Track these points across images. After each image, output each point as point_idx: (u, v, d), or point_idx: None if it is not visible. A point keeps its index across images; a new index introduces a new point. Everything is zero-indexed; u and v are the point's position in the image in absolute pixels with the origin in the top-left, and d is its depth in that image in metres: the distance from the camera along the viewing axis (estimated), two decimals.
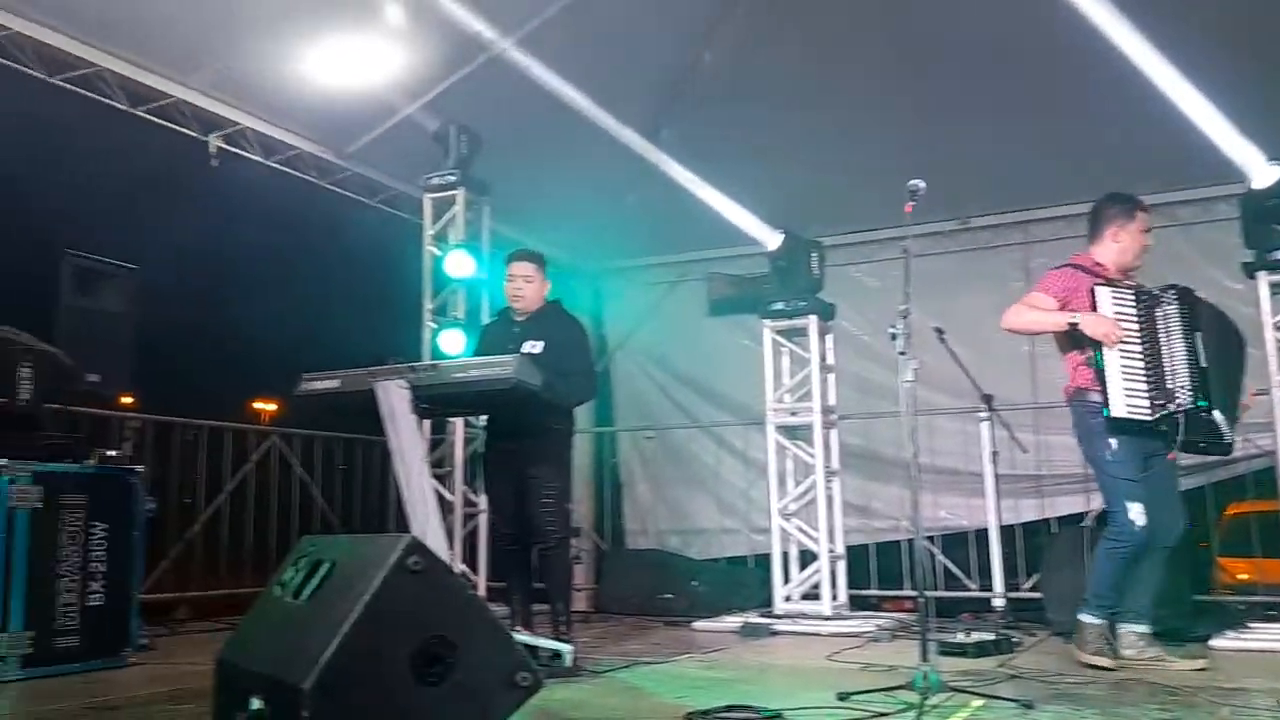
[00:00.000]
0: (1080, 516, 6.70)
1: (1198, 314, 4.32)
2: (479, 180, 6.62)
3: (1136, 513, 4.19)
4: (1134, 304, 4.27)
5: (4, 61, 5.16)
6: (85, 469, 4.47)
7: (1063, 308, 4.33)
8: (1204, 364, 4.19)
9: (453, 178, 6.52)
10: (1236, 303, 6.51)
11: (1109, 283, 4.34)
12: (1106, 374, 4.18)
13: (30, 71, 5.26)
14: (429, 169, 6.60)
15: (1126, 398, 4.16)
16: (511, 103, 6.15)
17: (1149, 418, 4.14)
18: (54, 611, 4.18)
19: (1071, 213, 7.24)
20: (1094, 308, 4.24)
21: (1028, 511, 7.00)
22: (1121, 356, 4.19)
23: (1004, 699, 3.49)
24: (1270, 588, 6.05)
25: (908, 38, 6.48)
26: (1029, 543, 6.81)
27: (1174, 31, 4.86)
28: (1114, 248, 4.47)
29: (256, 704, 2.62)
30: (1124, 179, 6.94)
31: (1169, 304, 4.31)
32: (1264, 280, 5.28)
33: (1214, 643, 5.05)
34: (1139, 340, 4.22)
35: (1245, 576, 6.89)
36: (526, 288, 4.74)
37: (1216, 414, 4.17)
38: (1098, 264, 4.47)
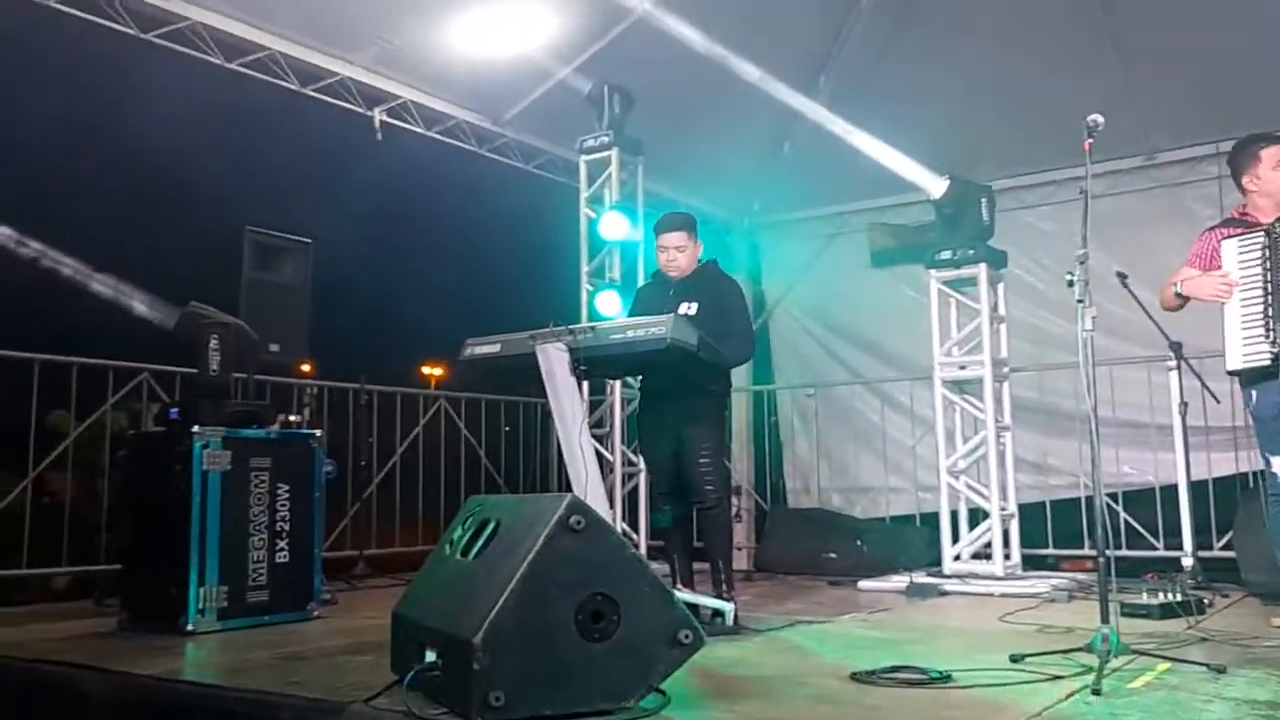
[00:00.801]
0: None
1: None
2: (632, 140, 6.61)
3: (1276, 464, 3.99)
4: (1259, 248, 3.95)
5: (185, 50, 5.46)
6: (270, 434, 4.74)
7: (1206, 271, 4.13)
8: None
9: (606, 139, 6.54)
10: None
11: (1245, 229, 4.06)
12: (1225, 328, 3.99)
13: (209, 58, 5.55)
14: (583, 132, 6.64)
15: (1244, 346, 3.94)
16: (662, 61, 6.10)
17: (1268, 362, 3.87)
18: (245, 567, 4.47)
19: None
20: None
21: (1221, 466, 6.55)
22: (1241, 306, 3.95)
23: (1193, 663, 3.28)
24: None
25: None
26: (1221, 499, 6.38)
27: None
28: (1254, 194, 4.17)
29: (431, 656, 2.74)
30: None
31: (1267, 245, 3.94)
32: None
33: None
34: (1261, 284, 3.92)
35: None
36: (680, 257, 4.69)
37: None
38: (1245, 213, 4.20)
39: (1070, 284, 3.54)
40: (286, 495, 4.65)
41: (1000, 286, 6.37)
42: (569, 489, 3.96)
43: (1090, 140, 3.67)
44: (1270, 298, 3.89)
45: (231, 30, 5.55)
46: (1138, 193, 7.14)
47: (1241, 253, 3.99)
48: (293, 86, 5.93)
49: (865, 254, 8.30)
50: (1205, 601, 4.78)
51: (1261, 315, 3.90)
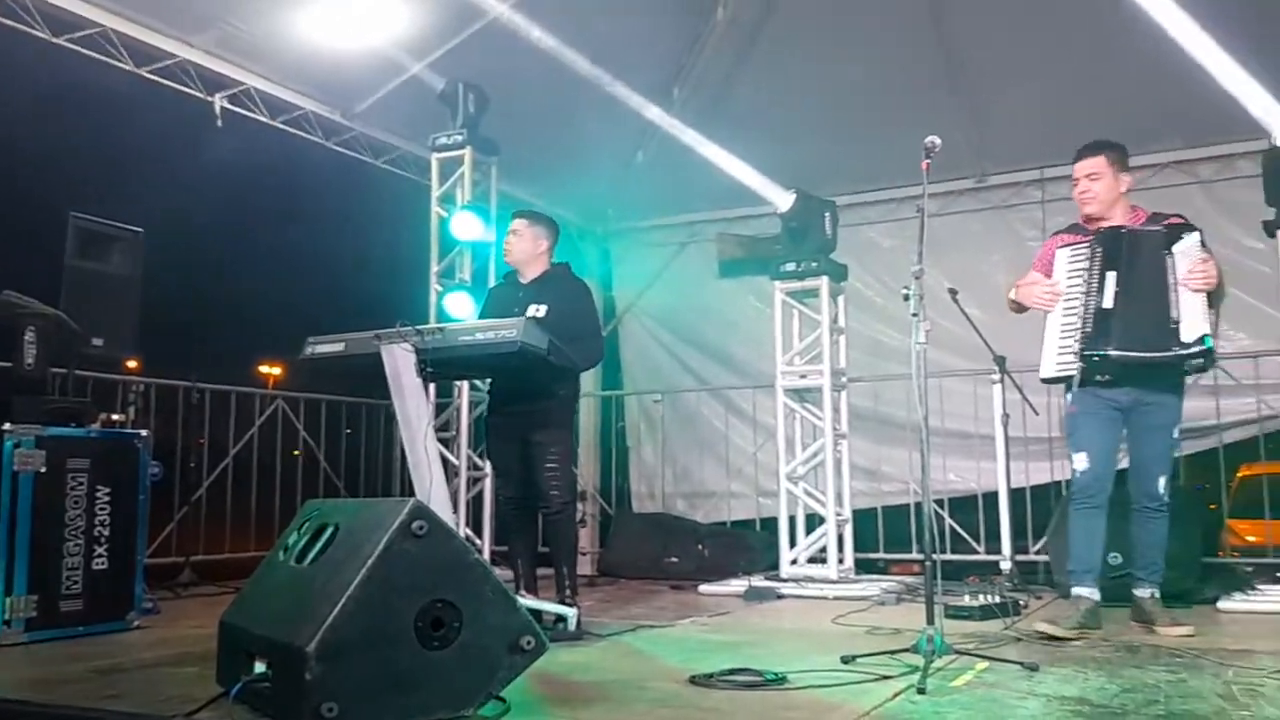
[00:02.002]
0: None
1: (1118, 251, 4.09)
2: (487, 140, 6.54)
3: (1078, 460, 4.22)
4: (1085, 256, 4.15)
5: (6, 22, 5.09)
6: (90, 433, 4.46)
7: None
8: (1108, 305, 4.03)
9: (460, 137, 6.45)
10: (1256, 262, 6.49)
11: (1082, 236, 4.26)
12: (1045, 336, 4.20)
13: (33, 32, 5.19)
14: (436, 129, 6.53)
15: (1059, 355, 4.14)
16: (519, 63, 6.07)
17: (1073, 371, 4.10)
18: (59, 575, 4.18)
19: None
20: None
21: (1038, 475, 6.97)
22: (1063, 315, 4.14)
23: (1008, 661, 3.48)
24: None
25: None
26: (1038, 506, 6.79)
27: None
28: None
29: (260, 666, 2.63)
30: (1143, 135, 6.92)
31: (1096, 248, 4.15)
32: None
33: (1222, 605, 5.05)
34: (1082, 293, 4.12)
35: (1254, 539, 6.87)
36: (514, 241, 4.74)
37: (1113, 351, 4.00)
38: (1084, 219, 4.41)
39: (906, 298, 3.69)
40: (107, 498, 4.38)
41: (841, 299, 6.60)
42: (412, 494, 3.89)
43: (928, 161, 3.84)
44: (1086, 308, 4.06)
45: (59, 3, 5.20)
46: (969, 213, 7.53)
47: (1070, 261, 4.17)
48: (127, 67, 5.61)
49: (714, 263, 8.46)
50: (1021, 603, 5.07)
51: (1077, 325, 4.08)
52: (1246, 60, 4.76)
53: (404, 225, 7.42)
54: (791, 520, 6.45)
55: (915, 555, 6.90)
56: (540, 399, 4.45)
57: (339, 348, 4.13)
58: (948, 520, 6.88)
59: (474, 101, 6.45)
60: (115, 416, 4.75)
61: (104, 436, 4.51)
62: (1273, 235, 5.25)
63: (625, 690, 3.19)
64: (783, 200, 6.34)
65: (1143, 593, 4.32)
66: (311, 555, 2.85)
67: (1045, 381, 4.28)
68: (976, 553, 6.76)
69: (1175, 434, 4.24)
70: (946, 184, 7.21)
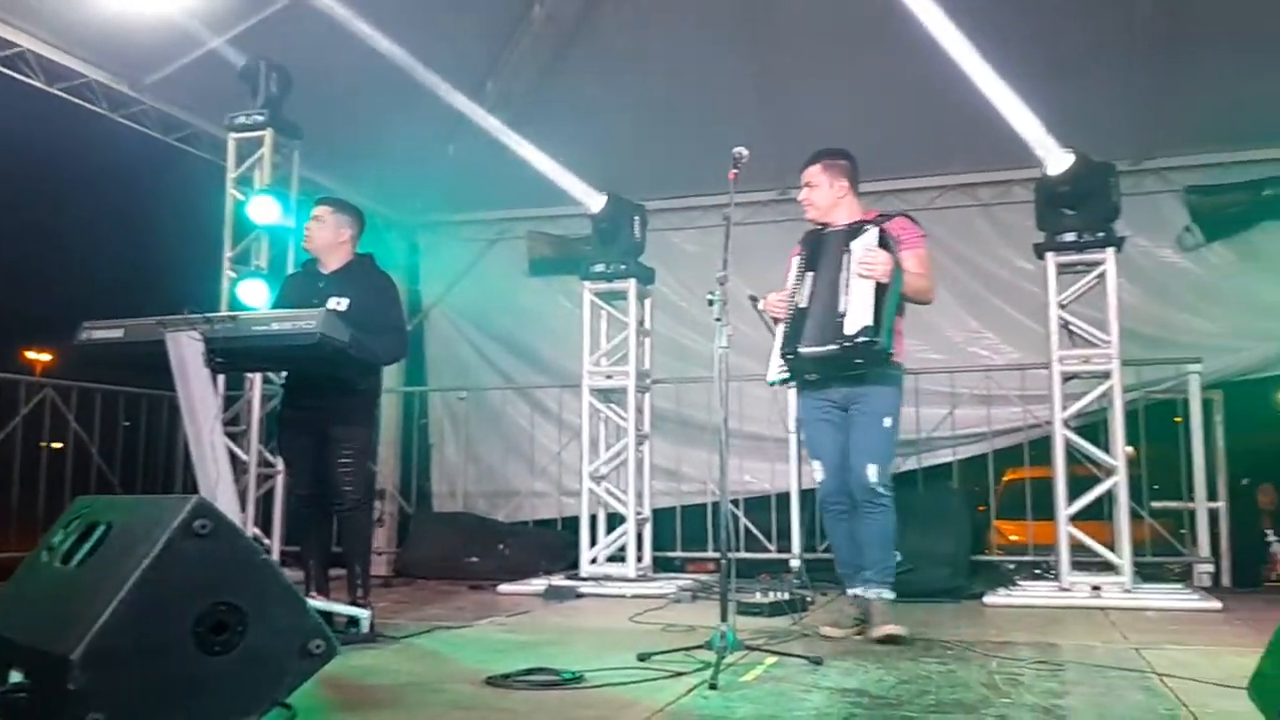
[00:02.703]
0: None
1: (817, 252, 4.17)
2: (289, 123, 6.27)
3: (816, 470, 4.26)
4: (798, 265, 4.20)
5: None
6: None
7: None
8: (804, 304, 4.08)
9: (260, 118, 6.16)
10: (1027, 282, 7.04)
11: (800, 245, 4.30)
12: (774, 345, 4.18)
13: None
14: (235, 108, 6.20)
15: (779, 360, 4.13)
16: (327, 46, 5.85)
17: (787, 375, 4.13)
18: None
19: (883, 188, 7.58)
20: None
21: None
22: (788, 322, 4.13)
23: (795, 656, 3.63)
24: (1039, 548, 6.54)
25: (741, 8, 6.60)
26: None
27: (984, 25, 5.11)
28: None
29: (17, 676, 2.42)
30: (929, 158, 7.41)
31: (803, 251, 4.21)
32: (1052, 261, 5.65)
33: (987, 600, 5.44)
34: (790, 296, 4.16)
35: (1017, 538, 7.44)
36: (316, 229, 4.58)
37: (802, 349, 4.00)
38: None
39: (710, 303, 3.78)
40: None
41: (648, 302, 6.71)
42: (196, 491, 3.68)
43: (735, 171, 3.95)
44: (791, 310, 4.07)
45: None
46: (772, 224, 7.76)
47: (795, 268, 4.22)
48: None
49: (524, 261, 8.44)
50: (808, 600, 5.30)
51: (785, 326, 4.09)
52: (1025, 94, 5.15)
53: (196, 208, 7.01)
54: (593, 519, 6.50)
55: (711, 554, 7.09)
56: (339, 393, 4.29)
57: (118, 334, 3.88)
58: (743, 520, 7.10)
59: (277, 81, 6.17)
60: None
61: None
62: (1041, 257, 5.70)
63: (419, 693, 3.13)
64: (594, 201, 6.38)
65: (867, 592, 4.12)
66: (79, 556, 2.64)
67: (771, 385, 4.28)
68: (769, 551, 7.01)
69: (886, 423, 4.10)
70: (752, 194, 7.43)
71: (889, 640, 3.92)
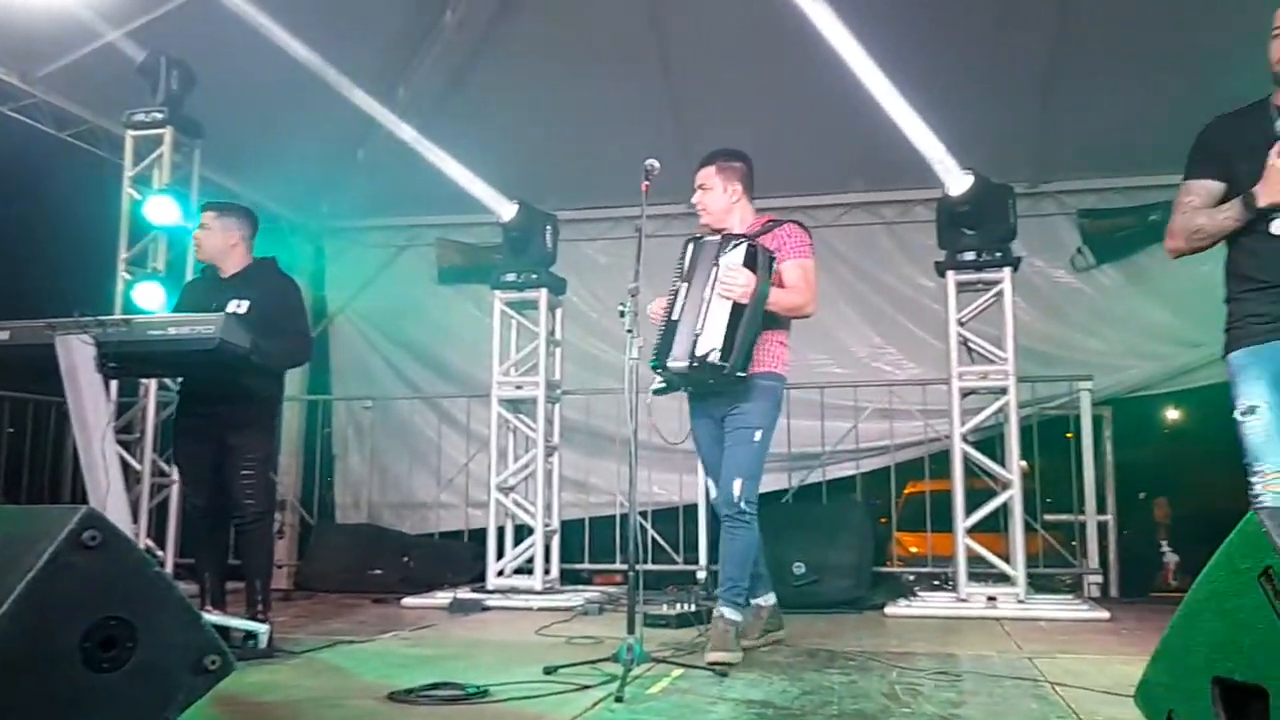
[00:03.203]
0: (783, 493, 7.15)
1: (694, 262, 4.00)
2: (191, 121, 6.09)
3: (710, 486, 4.19)
4: (679, 269, 4.05)
5: None
6: None
7: None
8: (675, 316, 3.94)
9: (160, 115, 5.96)
10: (928, 299, 7.23)
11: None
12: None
13: None
14: (133, 105, 5.99)
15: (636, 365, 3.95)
16: (232, 43, 5.69)
17: (665, 386, 4.03)
18: None
19: (792, 204, 7.70)
20: None
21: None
22: (660, 333, 4.01)
23: (701, 668, 3.64)
24: (938, 559, 6.71)
25: (653, 22, 6.66)
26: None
27: (889, 46, 5.24)
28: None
29: None
30: (835, 176, 7.56)
31: (681, 259, 4.04)
32: (952, 279, 5.81)
33: (888, 610, 5.55)
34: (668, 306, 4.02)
35: (917, 549, 7.62)
36: (204, 238, 4.48)
37: (670, 363, 3.87)
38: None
39: (622, 315, 3.79)
40: None
41: (559, 312, 6.69)
42: (85, 501, 3.53)
43: (647, 183, 3.97)
44: (668, 320, 3.93)
45: None
46: (683, 236, 7.77)
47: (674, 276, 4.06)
48: None
49: (434, 269, 8.34)
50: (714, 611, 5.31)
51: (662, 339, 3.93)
52: (928, 116, 5.29)
53: (90, 207, 6.74)
54: (500, 531, 6.44)
55: (620, 566, 7.10)
56: (239, 400, 4.18)
57: (4, 336, 3.72)
58: (650, 531, 7.12)
59: (178, 78, 5.98)
60: None
61: None
62: (942, 275, 5.86)
63: (318, 709, 3.05)
64: (505, 210, 6.33)
65: (716, 611, 3.99)
66: None
67: (655, 394, 4.09)
68: (676, 563, 7.04)
69: (756, 438, 4.00)
70: (664, 207, 7.44)
71: (717, 666, 3.66)
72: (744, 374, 3.86)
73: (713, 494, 4.18)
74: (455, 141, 6.43)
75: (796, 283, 4.04)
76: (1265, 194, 2.88)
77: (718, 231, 4.10)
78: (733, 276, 3.78)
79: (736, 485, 3.98)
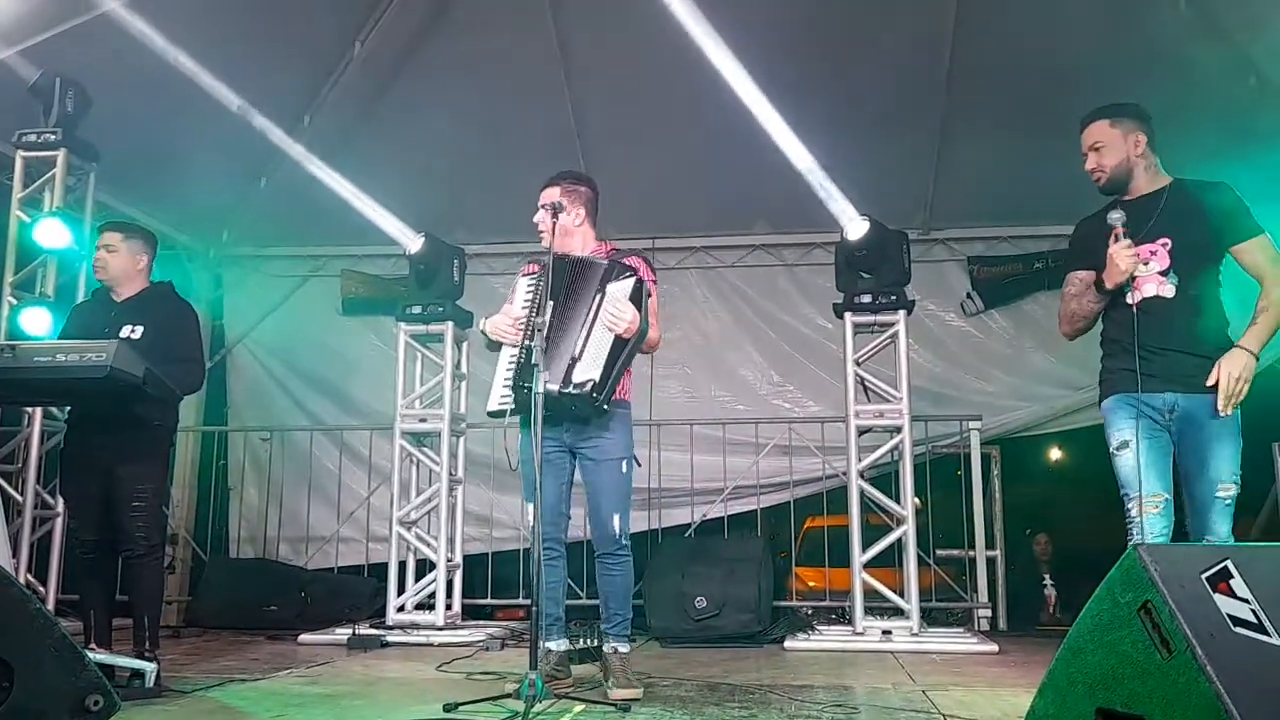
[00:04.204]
0: (686, 527, 7.20)
1: (561, 280, 3.82)
2: (86, 144, 5.92)
3: (529, 511, 3.88)
4: (536, 284, 3.84)
5: None
6: None
7: None
8: (546, 334, 3.67)
9: (53, 136, 5.78)
10: (826, 339, 7.42)
11: (536, 265, 4.02)
12: (497, 369, 3.92)
13: None
14: (25, 124, 5.81)
15: (502, 388, 3.87)
16: (131, 66, 5.59)
17: (510, 406, 3.84)
18: None
19: (696, 244, 7.86)
20: None
21: (638, 523, 7.39)
22: (511, 346, 3.87)
23: (603, 703, 3.65)
24: (836, 593, 6.84)
25: (563, 63, 6.75)
26: (637, 553, 7.18)
27: (792, 94, 5.42)
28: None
29: None
30: (738, 218, 7.74)
31: (543, 276, 3.80)
32: (849, 320, 6.00)
33: (788, 644, 5.63)
34: (525, 322, 3.82)
35: (815, 584, 7.74)
36: (109, 259, 4.32)
37: (541, 385, 3.59)
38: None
39: (529, 350, 3.78)
40: None
41: (465, 345, 6.66)
42: None
43: (554, 220, 4.00)
44: (525, 339, 3.73)
45: None
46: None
47: (526, 290, 3.94)
48: None
49: (337, 300, 8.23)
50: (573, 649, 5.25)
51: (515, 359, 3.80)
52: (827, 163, 5.48)
53: None
54: (401, 566, 6.35)
55: (523, 600, 7.04)
56: (130, 429, 4.04)
57: None
58: None
59: (73, 100, 5.81)
60: None
61: None
62: (840, 316, 6.04)
63: None
64: (412, 242, 6.31)
65: (607, 648, 4.03)
66: None
67: (491, 415, 3.93)
68: (579, 598, 7.02)
69: (624, 468, 3.96)
70: None
71: (625, 703, 3.63)
72: (606, 408, 3.79)
73: (530, 520, 3.82)
74: (362, 172, 6.41)
75: (653, 320, 3.93)
76: (1109, 278, 3.37)
77: (561, 255, 3.92)
78: (620, 310, 3.72)
79: (615, 520, 3.93)
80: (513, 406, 3.84)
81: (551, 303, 3.71)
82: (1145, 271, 3.37)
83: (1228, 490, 3.27)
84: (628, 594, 4.04)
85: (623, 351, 3.77)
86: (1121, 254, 3.30)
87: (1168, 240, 3.36)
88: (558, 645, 4.11)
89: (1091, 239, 3.51)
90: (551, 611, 4.03)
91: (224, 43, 5.71)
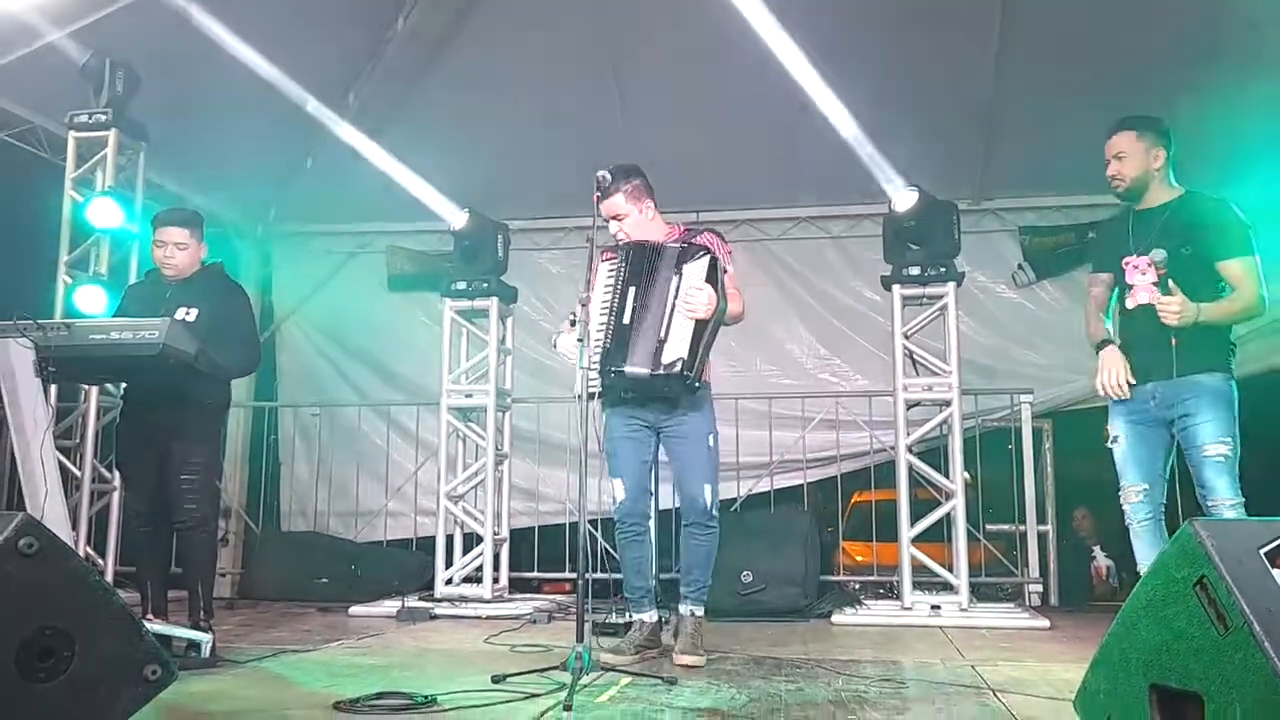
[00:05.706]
0: (732, 502, 7.18)
1: (640, 267, 3.96)
2: (136, 123, 6.00)
3: (616, 489, 4.22)
4: (615, 271, 3.98)
5: None
6: None
7: None
8: (626, 320, 3.89)
9: (104, 117, 5.87)
10: (874, 312, 7.33)
11: (613, 253, 4.10)
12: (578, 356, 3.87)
13: None
14: (76, 106, 5.90)
15: (589, 375, 3.83)
16: (180, 45, 5.65)
17: (597, 389, 3.88)
18: None
19: (741, 217, 7.78)
20: None
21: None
22: (595, 331, 3.91)
23: (650, 676, 3.66)
24: (884, 568, 6.79)
25: (607, 35, 6.69)
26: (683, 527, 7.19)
27: (839, 65, 5.34)
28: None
29: None
30: (784, 191, 7.65)
31: (622, 263, 4.00)
32: (897, 293, 5.90)
33: (835, 619, 5.61)
34: (608, 308, 3.95)
35: (862, 559, 7.70)
36: (179, 255, 4.32)
37: (626, 368, 3.84)
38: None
39: (573, 324, 3.79)
40: None
41: (509, 321, 6.68)
42: (23, 508, 3.47)
43: (598, 194, 4.00)
44: (609, 323, 3.88)
45: None
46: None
47: (606, 276, 4.01)
48: None
49: (383, 276, 8.29)
50: (664, 619, 5.33)
51: (603, 341, 3.88)
52: (875, 134, 5.39)
53: (30, 209, 6.60)
54: (449, 540, 6.41)
55: (569, 574, 7.09)
56: (183, 406, 4.11)
57: None
58: (600, 540, 7.12)
59: (123, 81, 5.89)
60: None
61: None
62: (888, 289, 5.95)
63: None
64: (456, 218, 6.32)
65: (684, 610, 4.19)
66: None
67: (578, 397, 3.83)
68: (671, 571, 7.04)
69: (710, 443, 4.14)
70: None
71: (673, 676, 3.67)
72: (699, 386, 3.95)
73: (618, 495, 4.22)
74: (407, 149, 6.43)
75: (732, 291, 4.07)
76: (1098, 384, 3.81)
77: (639, 243, 4.09)
78: (698, 294, 3.85)
79: (707, 492, 4.13)
80: (601, 390, 3.93)
81: (633, 289, 3.89)
82: (1142, 280, 3.73)
83: (1214, 449, 3.52)
84: (710, 562, 4.22)
85: (705, 330, 3.90)
86: (1167, 312, 3.59)
87: (1162, 251, 3.64)
88: (651, 616, 4.24)
89: (1110, 244, 3.90)
90: (641, 585, 4.26)
91: (268, 21, 5.74)
